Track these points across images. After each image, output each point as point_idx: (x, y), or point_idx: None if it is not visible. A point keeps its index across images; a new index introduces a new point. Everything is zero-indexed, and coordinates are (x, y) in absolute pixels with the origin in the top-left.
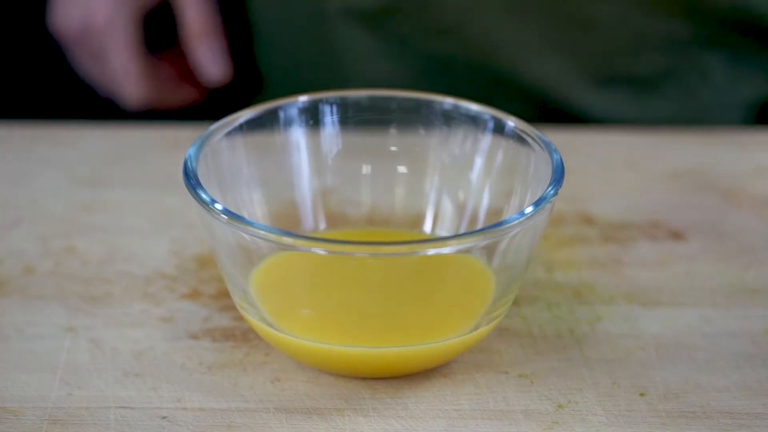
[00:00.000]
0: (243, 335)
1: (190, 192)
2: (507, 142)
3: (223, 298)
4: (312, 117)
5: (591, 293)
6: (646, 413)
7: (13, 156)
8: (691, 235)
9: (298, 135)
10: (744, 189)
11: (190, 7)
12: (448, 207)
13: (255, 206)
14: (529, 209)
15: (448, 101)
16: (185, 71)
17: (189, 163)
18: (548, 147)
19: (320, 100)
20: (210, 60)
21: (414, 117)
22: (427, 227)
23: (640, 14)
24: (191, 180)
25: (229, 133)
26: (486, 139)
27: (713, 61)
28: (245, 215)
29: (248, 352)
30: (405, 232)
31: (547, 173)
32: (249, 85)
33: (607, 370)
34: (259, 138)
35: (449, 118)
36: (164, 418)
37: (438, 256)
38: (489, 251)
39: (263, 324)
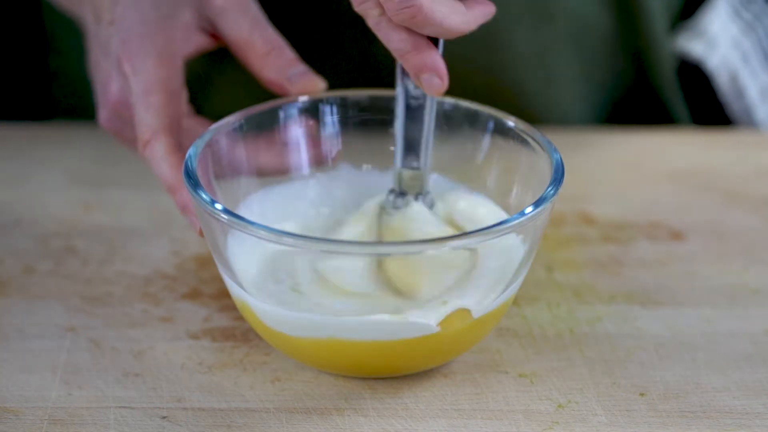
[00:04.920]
0: (243, 335)
1: (190, 192)
2: (507, 142)
3: (223, 298)
4: (312, 117)
5: (591, 293)
6: (646, 413)
7: (13, 156)
8: (691, 235)
9: (298, 135)
10: (744, 189)
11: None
12: None
13: (255, 206)
14: (529, 209)
15: (448, 101)
16: None
17: (189, 163)
18: (548, 147)
19: (320, 100)
20: None
21: None
22: None
23: None
24: (191, 180)
25: (229, 133)
26: (486, 139)
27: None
28: (245, 214)
29: (248, 352)
30: None
31: (547, 173)
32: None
33: (607, 370)
34: (259, 138)
35: (449, 118)
36: (164, 418)
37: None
38: None
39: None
